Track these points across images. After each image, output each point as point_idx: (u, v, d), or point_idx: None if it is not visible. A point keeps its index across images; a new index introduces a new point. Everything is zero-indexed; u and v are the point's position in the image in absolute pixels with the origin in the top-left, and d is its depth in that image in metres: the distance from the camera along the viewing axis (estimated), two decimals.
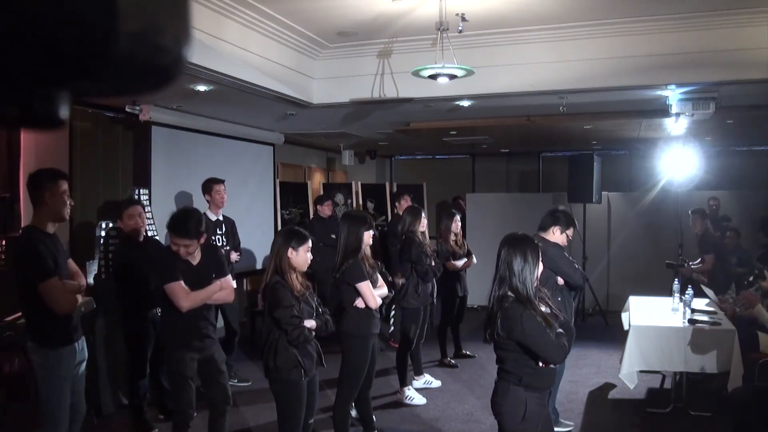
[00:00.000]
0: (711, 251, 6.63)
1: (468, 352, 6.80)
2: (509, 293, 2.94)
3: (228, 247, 5.87)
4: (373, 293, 4.10)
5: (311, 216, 9.33)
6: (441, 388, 5.79)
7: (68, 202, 3.32)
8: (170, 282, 3.65)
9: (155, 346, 4.82)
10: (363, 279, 4.08)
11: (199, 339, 3.80)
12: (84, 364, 3.53)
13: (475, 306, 8.67)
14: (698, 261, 7.30)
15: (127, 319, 4.77)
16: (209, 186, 5.74)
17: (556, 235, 4.39)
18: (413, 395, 5.43)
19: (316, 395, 3.77)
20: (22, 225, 3.43)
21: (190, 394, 3.79)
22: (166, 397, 5.02)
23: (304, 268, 3.64)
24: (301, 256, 3.58)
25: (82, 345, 3.49)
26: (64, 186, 3.29)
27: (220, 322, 5.93)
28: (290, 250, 3.54)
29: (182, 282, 3.68)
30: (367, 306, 4.10)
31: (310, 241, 3.65)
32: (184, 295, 3.66)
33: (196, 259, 3.80)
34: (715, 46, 4.85)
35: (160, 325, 4.14)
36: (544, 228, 4.43)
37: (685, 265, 7.02)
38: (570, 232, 4.45)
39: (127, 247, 4.80)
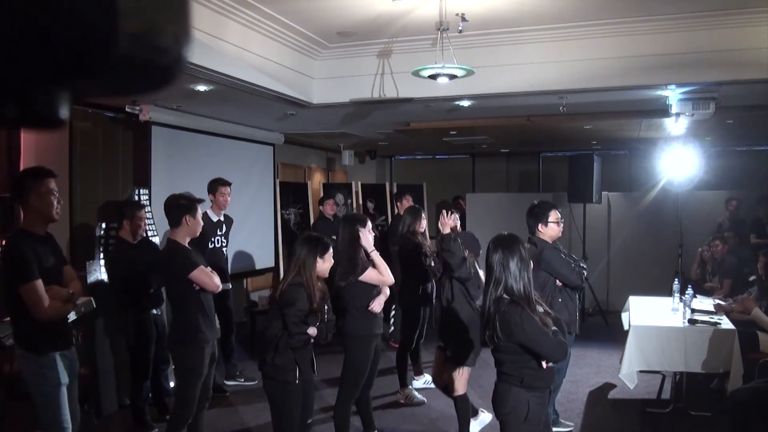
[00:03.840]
0: (730, 277, 6.59)
1: None
2: (505, 295, 2.94)
3: (227, 248, 5.86)
4: (377, 275, 4.07)
5: (311, 216, 9.34)
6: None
7: (55, 202, 3.17)
8: (194, 269, 3.73)
9: (156, 345, 4.82)
10: (361, 272, 4.08)
11: (213, 332, 3.91)
12: (76, 375, 3.42)
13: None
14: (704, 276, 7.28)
15: (128, 320, 4.76)
16: (215, 186, 5.71)
17: (545, 232, 4.33)
18: (413, 395, 5.42)
19: (312, 395, 3.77)
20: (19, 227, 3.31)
21: (197, 392, 3.80)
22: (166, 396, 5.02)
23: (326, 275, 3.66)
24: (327, 264, 3.61)
25: (73, 355, 3.37)
26: (51, 184, 3.14)
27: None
28: (318, 260, 3.54)
29: (203, 267, 3.78)
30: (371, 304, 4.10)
31: (331, 249, 3.67)
32: (211, 276, 3.78)
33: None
34: (715, 46, 4.85)
35: (171, 322, 4.11)
36: (533, 231, 4.37)
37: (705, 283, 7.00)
38: (553, 217, 4.33)
39: (124, 248, 4.80)
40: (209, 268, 3.93)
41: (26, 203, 3.16)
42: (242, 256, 7.58)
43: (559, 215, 4.36)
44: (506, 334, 2.88)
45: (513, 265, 2.94)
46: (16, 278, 3.07)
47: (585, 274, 4.50)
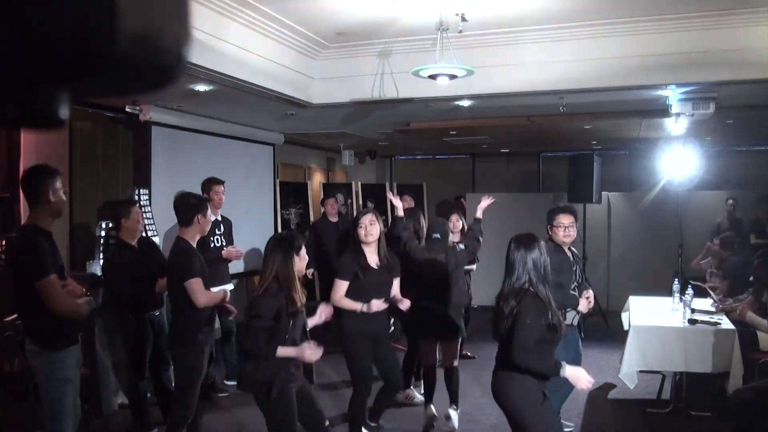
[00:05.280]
0: (729, 278, 6.52)
1: (468, 353, 6.79)
2: (531, 289, 3.04)
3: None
4: (340, 293, 4.04)
5: (311, 216, 9.34)
6: (441, 388, 5.77)
7: (65, 198, 3.29)
8: (190, 279, 3.70)
9: (155, 346, 4.80)
10: (337, 275, 4.06)
11: (212, 333, 3.94)
12: (79, 368, 3.46)
13: (476, 306, 8.67)
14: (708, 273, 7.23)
15: (123, 321, 4.74)
16: (208, 186, 5.72)
17: (554, 235, 4.32)
18: (414, 395, 5.42)
19: (314, 402, 3.64)
20: (22, 224, 3.34)
21: (197, 392, 3.80)
22: (169, 397, 5.01)
23: (303, 271, 3.58)
24: (303, 262, 3.50)
25: (78, 350, 3.42)
26: (60, 182, 3.25)
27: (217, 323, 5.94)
28: (295, 257, 3.40)
29: (200, 279, 3.75)
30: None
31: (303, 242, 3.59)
32: (203, 292, 3.75)
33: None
34: (715, 46, 4.85)
35: (171, 322, 4.11)
36: (547, 232, 4.34)
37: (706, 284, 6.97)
38: (563, 220, 4.24)
39: (124, 250, 4.76)
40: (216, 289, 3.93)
41: (42, 199, 3.18)
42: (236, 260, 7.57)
43: (566, 221, 4.24)
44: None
45: (530, 261, 3.07)
46: (32, 273, 3.09)
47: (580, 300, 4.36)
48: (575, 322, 4.40)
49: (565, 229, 4.25)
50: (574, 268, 4.34)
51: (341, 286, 4.07)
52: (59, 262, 3.25)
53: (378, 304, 4.02)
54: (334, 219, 7.52)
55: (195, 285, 3.72)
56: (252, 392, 3.41)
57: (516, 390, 3.02)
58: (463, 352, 6.76)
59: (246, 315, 3.43)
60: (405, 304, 4.19)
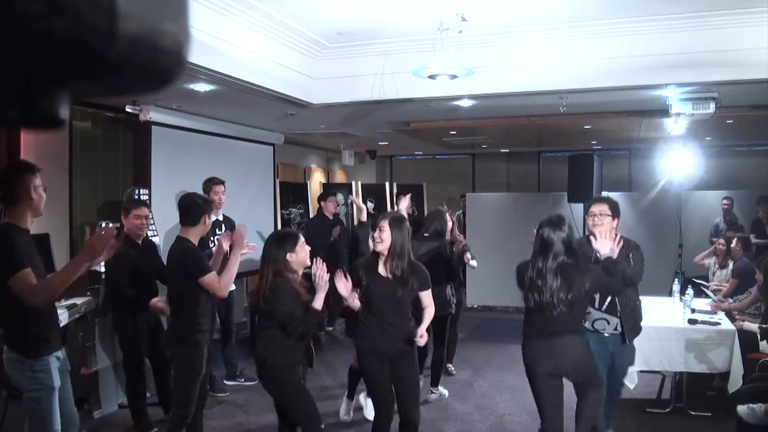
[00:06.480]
0: (738, 278, 6.44)
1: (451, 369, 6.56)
2: (572, 261, 3.45)
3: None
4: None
5: (311, 216, 9.34)
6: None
7: (44, 196, 3.14)
8: (204, 275, 3.69)
9: (156, 345, 4.79)
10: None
11: (211, 332, 3.92)
12: (67, 374, 3.33)
13: (476, 306, 8.67)
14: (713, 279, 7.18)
15: (120, 319, 4.74)
16: (208, 186, 5.71)
17: (588, 225, 4.27)
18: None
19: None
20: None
21: (196, 392, 3.80)
22: (171, 396, 5.01)
23: (308, 262, 3.58)
24: (301, 255, 3.53)
25: (64, 355, 3.29)
26: (40, 179, 3.11)
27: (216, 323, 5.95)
28: (288, 254, 3.47)
29: (215, 273, 3.76)
30: (363, 311, 3.73)
31: (302, 237, 3.62)
32: (219, 282, 3.76)
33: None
34: (715, 46, 4.85)
35: (170, 321, 4.06)
36: None
37: (709, 283, 6.93)
38: (593, 209, 4.10)
39: (126, 248, 4.75)
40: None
41: (20, 197, 3.05)
42: (242, 256, 7.58)
43: (596, 210, 4.10)
44: (596, 283, 3.50)
45: (566, 237, 3.47)
46: (5, 271, 2.92)
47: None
48: (615, 330, 4.13)
49: (594, 217, 4.15)
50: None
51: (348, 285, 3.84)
52: (38, 261, 3.09)
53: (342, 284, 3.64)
54: (330, 216, 7.57)
55: (212, 279, 3.72)
56: (279, 385, 3.51)
57: (588, 350, 3.59)
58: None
59: (269, 314, 3.48)
60: (423, 340, 3.68)
